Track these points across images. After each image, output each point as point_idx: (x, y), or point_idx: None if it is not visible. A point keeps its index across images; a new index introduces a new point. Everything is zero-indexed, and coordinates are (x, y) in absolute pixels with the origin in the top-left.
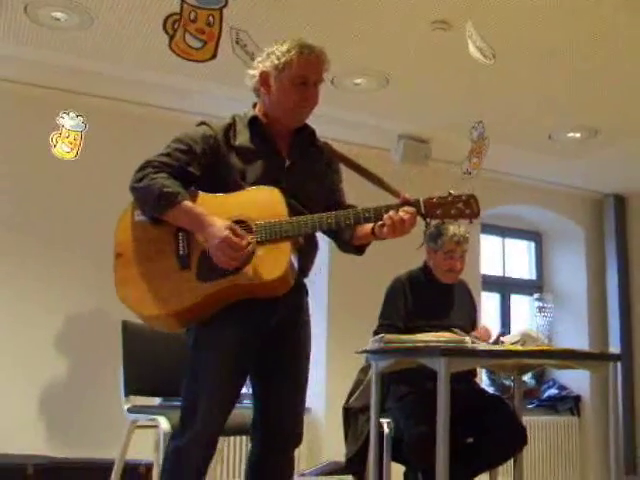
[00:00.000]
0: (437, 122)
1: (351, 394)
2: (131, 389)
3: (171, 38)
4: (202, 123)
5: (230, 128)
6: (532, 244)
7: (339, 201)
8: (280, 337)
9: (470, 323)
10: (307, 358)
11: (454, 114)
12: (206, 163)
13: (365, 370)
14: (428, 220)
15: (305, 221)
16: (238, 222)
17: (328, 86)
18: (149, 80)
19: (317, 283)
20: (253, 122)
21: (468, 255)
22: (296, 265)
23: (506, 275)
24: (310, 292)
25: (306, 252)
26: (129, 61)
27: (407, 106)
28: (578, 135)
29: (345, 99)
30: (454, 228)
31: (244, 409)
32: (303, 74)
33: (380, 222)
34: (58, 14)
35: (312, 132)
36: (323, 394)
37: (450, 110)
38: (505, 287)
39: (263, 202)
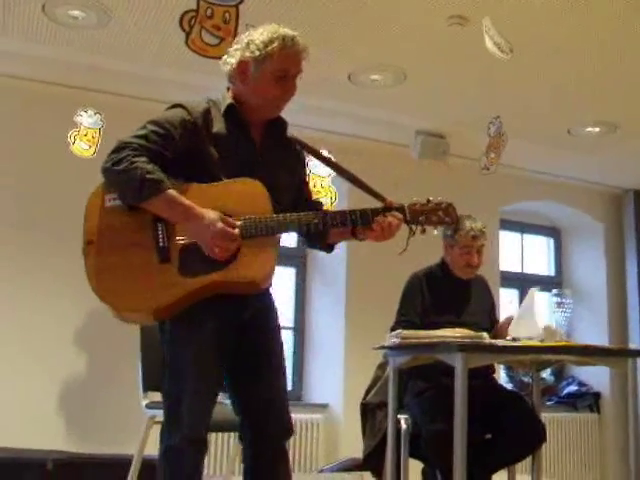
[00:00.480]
0: (455, 118)
1: (369, 390)
2: (149, 385)
3: (187, 35)
4: (179, 105)
5: (208, 113)
6: (551, 240)
7: (306, 196)
8: (253, 330)
9: (488, 320)
10: (281, 347)
11: (472, 109)
12: (182, 149)
13: (383, 366)
14: (414, 227)
15: (292, 219)
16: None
17: (345, 82)
18: (166, 77)
19: (335, 280)
20: (230, 110)
21: (487, 251)
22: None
23: (525, 271)
24: (328, 288)
25: None
26: (146, 58)
27: (424, 102)
28: (597, 130)
29: (362, 95)
30: (470, 223)
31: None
32: (285, 67)
33: (366, 225)
34: (75, 12)
35: (285, 124)
36: (341, 390)
37: (468, 105)
38: (524, 283)
39: (246, 196)
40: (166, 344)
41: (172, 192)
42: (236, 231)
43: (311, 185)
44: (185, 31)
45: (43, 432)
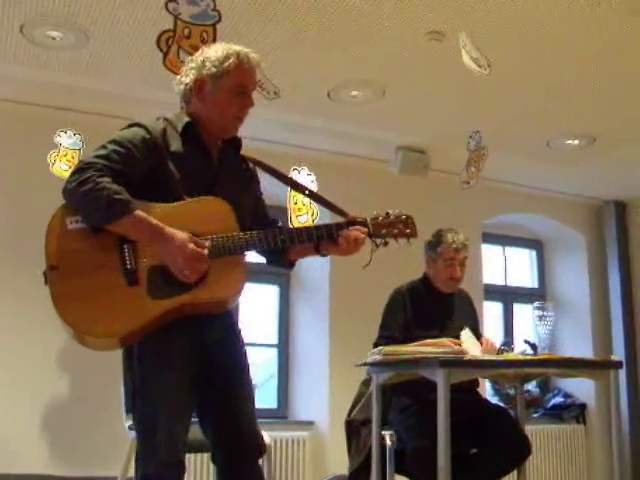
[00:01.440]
0: (435, 132)
1: (353, 407)
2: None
3: (165, 55)
4: (137, 124)
5: (166, 132)
6: (533, 252)
7: (263, 213)
8: (221, 350)
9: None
10: (248, 367)
11: (452, 124)
12: (143, 169)
13: (367, 383)
14: (378, 241)
15: (259, 237)
16: None
17: (325, 99)
18: (145, 97)
19: (319, 297)
20: (187, 129)
21: (469, 264)
22: None
23: (508, 284)
24: (312, 305)
25: None
26: (125, 79)
27: (404, 117)
28: (576, 142)
29: (342, 112)
30: (452, 235)
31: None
32: (242, 83)
33: (330, 240)
34: (53, 33)
35: (239, 141)
36: (327, 407)
37: (448, 120)
38: (507, 296)
39: (212, 214)
40: (135, 368)
41: (140, 212)
42: (205, 252)
43: (291, 202)
44: (162, 51)
45: (26, 455)
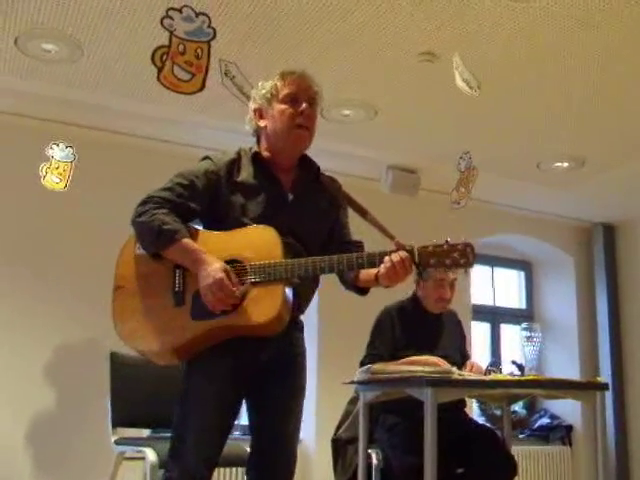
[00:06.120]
0: (426, 152)
1: (340, 425)
2: (119, 421)
3: (159, 70)
4: (206, 157)
5: (234, 163)
6: (522, 273)
7: (342, 239)
8: (272, 372)
9: (459, 354)
10: (300, 391)
11: (443, 144)
12: (207, 199)
13: (354, 401)
14: (421, 269)
15: (299, 264)
16: (234, 261)
17: (317, 117)
18: (139, 111)
19: (307, 314)
20: (255, 158)
21: (458, 284)
22: (290, 305)
23: (496, 304)
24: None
25: (303, 290)
26: (118, 92)
27: (396, 137)
28: (566, 164)
29: (334, 130)
30: None
31: (240, 441)
32: (290, 92)
33: (373, 268)
34: (48, 46)
35: (317, 168)
36: (313, 425)
37: (439, 140)
38: (495, 316)
39: (259, 242)
40: (183, 381)
41: (186, 241)
42: (235, 288)
43: None
44: (157, 67)
45: (11, 469)
